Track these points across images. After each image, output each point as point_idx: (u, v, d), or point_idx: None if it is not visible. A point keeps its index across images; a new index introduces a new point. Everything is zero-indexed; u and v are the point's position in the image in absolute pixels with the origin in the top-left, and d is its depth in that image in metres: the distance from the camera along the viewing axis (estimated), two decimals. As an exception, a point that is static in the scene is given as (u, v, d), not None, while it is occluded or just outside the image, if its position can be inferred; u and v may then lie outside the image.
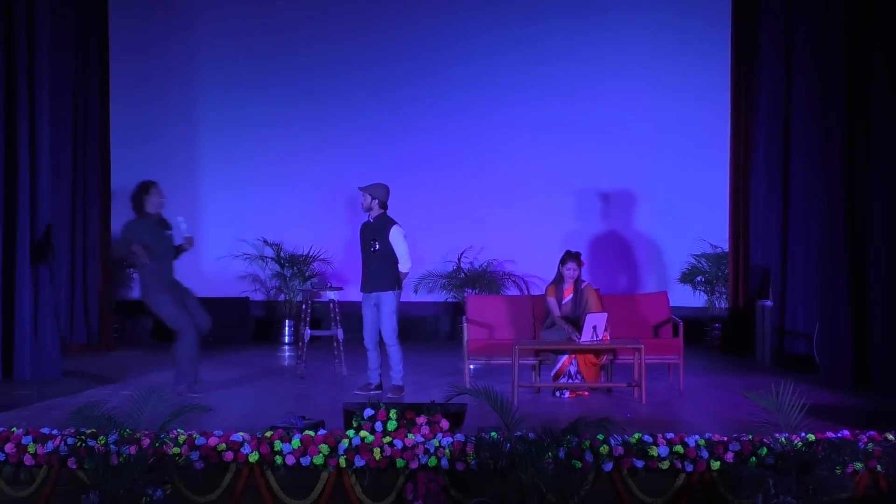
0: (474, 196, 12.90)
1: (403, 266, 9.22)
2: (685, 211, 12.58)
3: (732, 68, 12.02)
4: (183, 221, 9.09)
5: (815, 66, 9.86)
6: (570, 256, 9.33)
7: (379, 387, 9.22)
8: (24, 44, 9.70)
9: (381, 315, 9.15)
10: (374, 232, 9.19)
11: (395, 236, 9.16)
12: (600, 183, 12.78)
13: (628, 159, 12.68)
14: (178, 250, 9.21)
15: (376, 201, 9.19)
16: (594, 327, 8.80)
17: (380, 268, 9.16)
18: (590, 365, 9.16)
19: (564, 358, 9.11)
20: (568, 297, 9.32)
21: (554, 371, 9.18)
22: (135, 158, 12.56)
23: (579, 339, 8.85)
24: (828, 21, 9.67)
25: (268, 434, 6.92)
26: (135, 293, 12.78)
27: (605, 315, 8.93)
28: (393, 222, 9.21)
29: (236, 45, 12.87)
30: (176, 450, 6.73)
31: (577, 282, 9.33)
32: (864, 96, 9.50)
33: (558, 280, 9.37)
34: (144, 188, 9.08)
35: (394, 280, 9.19)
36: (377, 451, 6.78)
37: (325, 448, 6.78)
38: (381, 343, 9.25)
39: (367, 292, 9.22)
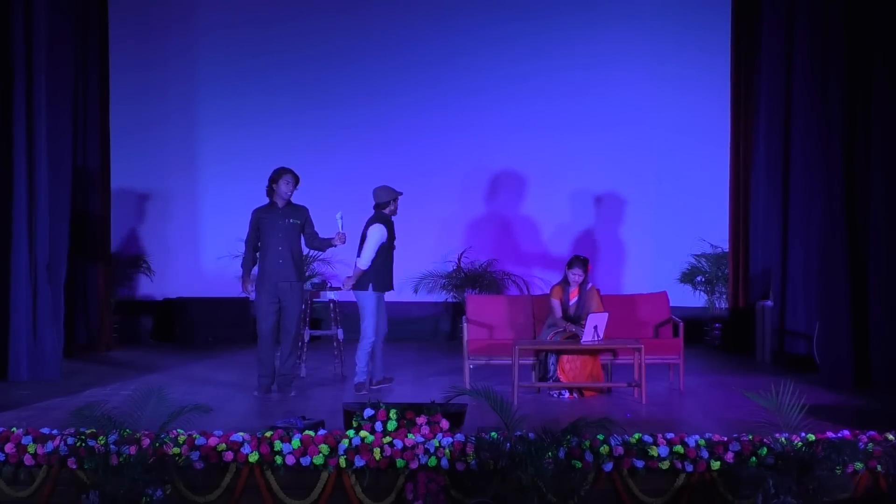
0: (475, 195, 12.89)
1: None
2: (685, 211, 12.57)
3: (732, 67, 12.01)
4: (340, 217, 9.11)
5: (816, 64, 9.86)
6: (577, 262, 9.32)
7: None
8: (22, 39, 9.67)
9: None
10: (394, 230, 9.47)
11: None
12: (601, 182, 12.77)
13: (628, 159, 12.66)
14: (325, 243, 9.30)
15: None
16: (595, 327, 8.80)
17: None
18: (582, 366, 9.09)
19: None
20: (574, 299, 9.33)
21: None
22: (134, 155, 12.56)
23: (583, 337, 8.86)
24: (827, 17, 9.66)
25: (268, 434, 6.93)
26: (134, 293, 12.80)
27: (607, 315, 8.93)
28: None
29: (236, 37, 12.80)
30: (176, 450, 6.73)
31: (583, 284, 9.33)
32: (865, 94, 9.50)
33: (564, 282, 9.37)
34: (276, 175, 9.15)
35: None
36: (377, 451, 6.78)
37: (325, 448, 6.79)
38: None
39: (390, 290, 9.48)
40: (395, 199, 9.37)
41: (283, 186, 9.12)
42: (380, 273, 9.24)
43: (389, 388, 9.40)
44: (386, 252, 9.27)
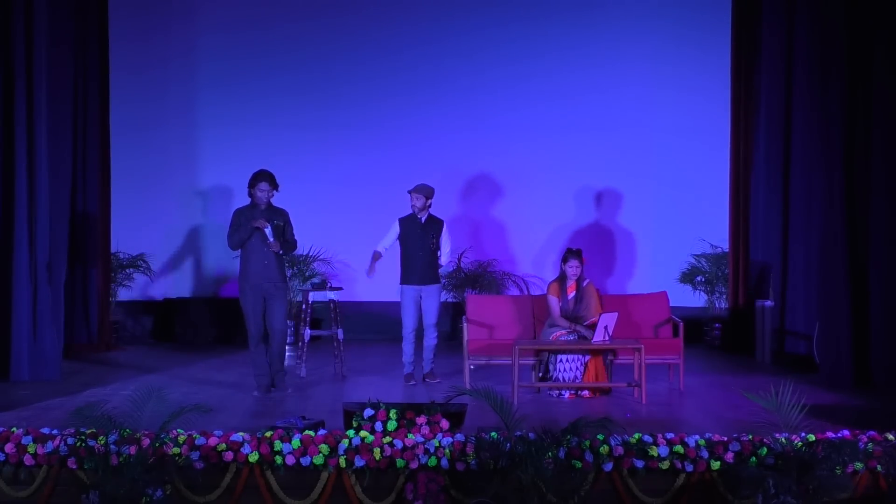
0: (474, 196, 12.89)
1: (444, 260, 10.05)
2: (685, 211, 12.57)
3: (733, 67, 12.01)
4: (267, 226, 9.06)
5: (815, 64, 9.86)
6: (572, 254, 9.33)
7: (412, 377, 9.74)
8: (22, 39, 9.67)
9: (434, 305, 9.79)
10: (434, 229, 9.81)
11: (446, 234, 9.96)
12: (601, 182, 12.78)
13: (628, 159, 12.66)
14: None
15: (430, 201, 9.79)
16: (606, 327, 8.81)
17: (433, 262, 9.82)
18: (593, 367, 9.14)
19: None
20: (571, 294, 9.32)
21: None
22: (134, 155, 12.56)
23: (591, 338, 8.86)
24: (827, 17, 9.66)
25: (268, 434, 6.92)
26: (134, 293, 12.80)
27: (616, 315, 8.94)
28: (442, 221, 9.96)
29: (236, 37, 12.79)
30: (176, 450, 6.73)
31: (580, 280, 9.34)
32: (865, 95, 9.50)
33: (561, 278, 9.36)
34: (252, 181, 9.15)
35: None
36: (377, 451, 6.78)
37: (325, 448, 6.79)
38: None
39: (424, 284, 9.75)
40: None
41: (258, 194, 9.12)
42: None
43: (388, 386, 9.43)
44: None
